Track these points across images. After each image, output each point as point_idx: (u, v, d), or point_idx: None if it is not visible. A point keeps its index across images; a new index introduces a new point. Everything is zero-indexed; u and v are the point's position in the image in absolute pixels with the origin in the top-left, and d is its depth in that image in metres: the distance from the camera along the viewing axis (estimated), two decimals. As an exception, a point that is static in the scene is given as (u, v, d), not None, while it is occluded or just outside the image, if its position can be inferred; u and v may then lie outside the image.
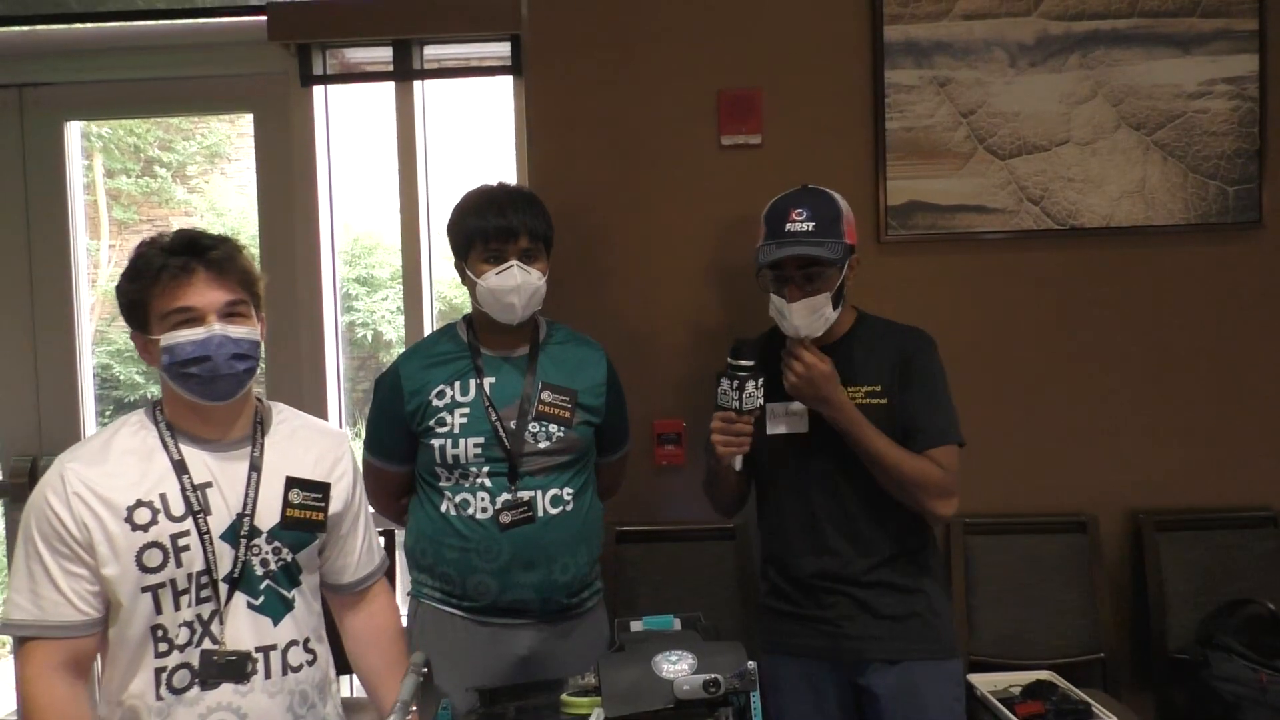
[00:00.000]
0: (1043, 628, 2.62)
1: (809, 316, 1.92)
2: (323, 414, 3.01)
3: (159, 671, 1.51)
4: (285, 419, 1.72)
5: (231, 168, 6.91)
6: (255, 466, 1.61)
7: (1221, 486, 2.71)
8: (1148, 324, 2.70)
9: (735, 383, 1.86)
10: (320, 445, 1.72)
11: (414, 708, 1.40)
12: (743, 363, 1.86)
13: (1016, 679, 2.42)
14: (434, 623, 2.04)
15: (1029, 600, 2.63)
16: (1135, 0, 2.64)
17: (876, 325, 2.08)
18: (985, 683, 2.39)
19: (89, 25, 3.00)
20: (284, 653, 1.59)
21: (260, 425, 1.66)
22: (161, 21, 2.97)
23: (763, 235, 2.01)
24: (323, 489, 1.67)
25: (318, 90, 2.95)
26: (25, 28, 2.99)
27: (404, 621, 2.19)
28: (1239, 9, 2.64)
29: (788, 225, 1.94)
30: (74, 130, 3.06)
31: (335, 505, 1.69)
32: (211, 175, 6.99)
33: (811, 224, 1.93)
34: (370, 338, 6.67)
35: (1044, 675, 2.43)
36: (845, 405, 1.91)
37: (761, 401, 1.89)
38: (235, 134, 6.74)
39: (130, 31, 2.99)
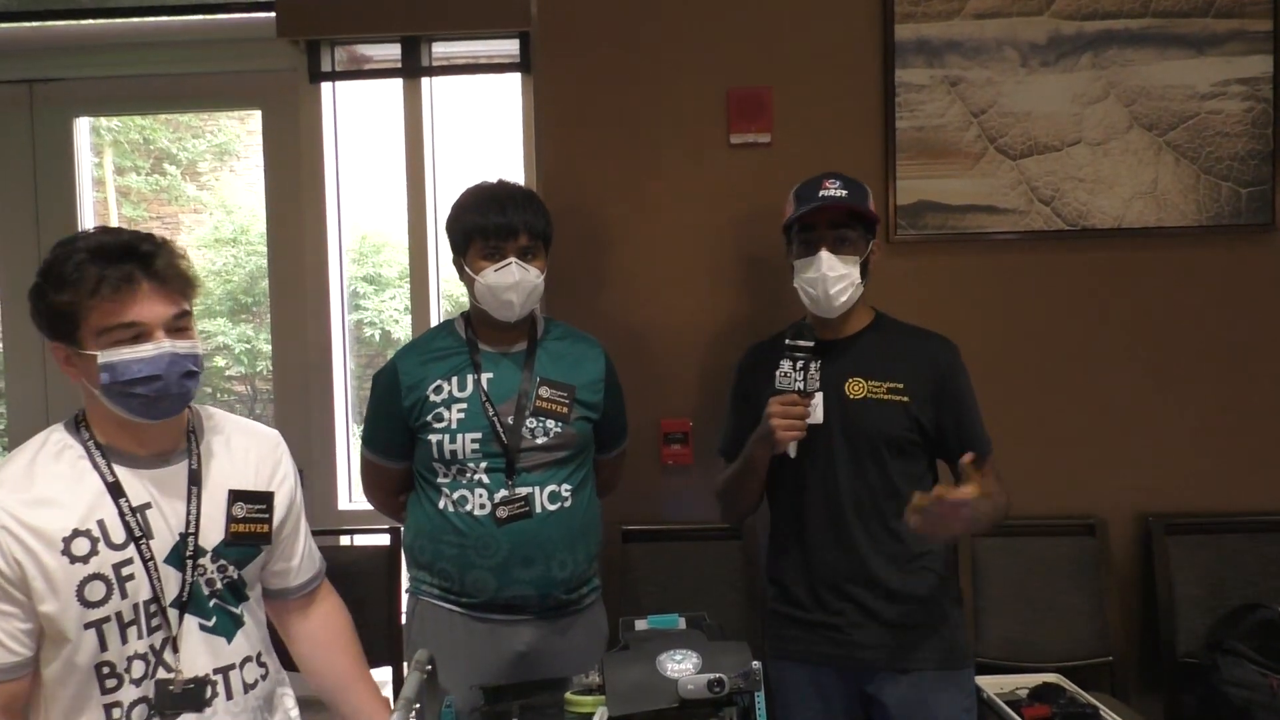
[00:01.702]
0: (1051, 631, 2.60)
1: (840, 269, 1.92)
2: (330, 413, 3.01)
3: (109, 708, 1.41)
4: (217, 425, 1.59)
5: (241, 165, 6.92)
6: (194, 480, 1.50)
7: (1232, 490, 2.69)
8: (1159, 326, 2.68)
9: (799, 363, 1.85)
10: (258, 450, 1.61)
11: (418, 705, 1.39)
12: (804, 343, 1.85)
13: (1024, 681, 2.40)
14: (433, 619, 2.04)
15: (1037, 603, 2.62)
16: (1148, 0, 2.63)
17: (896, 325, 2.07)
18: (992, 685, 2.37)
19: (99, 21, 3.01)
20: (241, 670, 1.52)
21: (193, 435, 1.54)
22: (171, 18, 2.98)
23: (792, 209, 2.01)
24: (266, 499, 1.57)
25: (326, 87, 2.96)
26: (35, 23, 3.00)
27: (403, 619, 2.19)
28: (1253, 10, 2.62)
29: (822, 191, 1.95)
30: (83, 126, 3.07)
31: (279, 513, 1.60)
32: (221, 173, 7.00)
33: (845, 191, 1.95)
34: (378, 336, 6.68)
35: (1051, 678, 2.41)
36: (977, 517, 1.78)
37: (819, 385, 1.88)
38: (245, 131, 6.75)
39: (140, 27, 3.00)
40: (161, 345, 1.39)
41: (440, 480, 2.02)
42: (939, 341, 2.04)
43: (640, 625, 1.69)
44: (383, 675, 2.52)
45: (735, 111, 2.67)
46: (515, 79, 2.92)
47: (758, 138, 2.68)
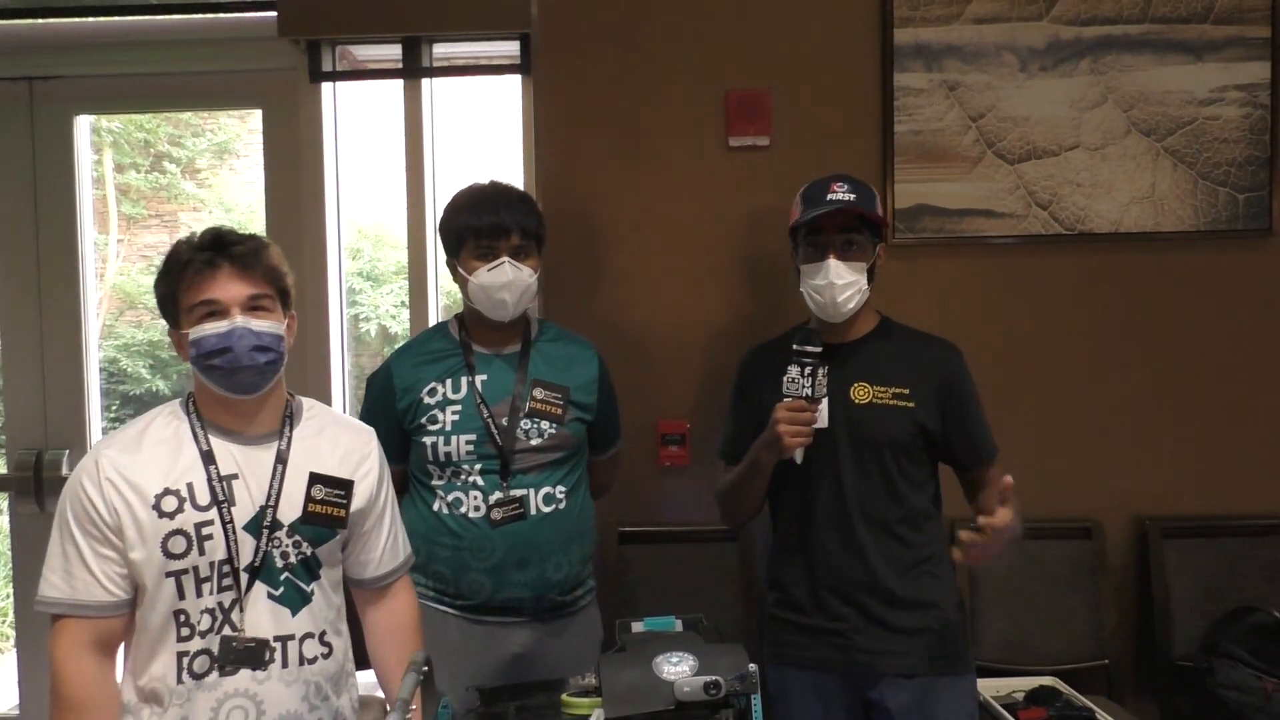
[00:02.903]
0: (1047, 633, 2.61)
1: (847, 276, 1.90)
2: (327, 410, 3.01)
3: (181, 656, 1.54)
4: (315, 415, 1.73)
5: (240, 164, 6.91)
6: (281, 460, 1.63)
7: (1228, 494, 2.70)
8: (1155, 331, 2.69)
9: (806, 369, 1.82)
10: (347, 442, 1.73)
11: (414, 706, 1.40)
12: (811, 348, 1.83)
13: (1020, 684, 2.41)
14: (428, 621, 2.03)
15: (1033, 606, 2.63)
16: (1147, 6, 2.64)
17: (902, 330, 2.06)
18: (988, 688, 2.37)
19: (99, 19, 3.00)
20: (300, 644, 1.61)
21: (289, 420, 1.68)
22: (172, 16, 2.97)
23: (799, 211, 1.98)
24: (346, 486, 1.67)
25: (326, 87, 2.95)
26: (36, 20, 3.00)
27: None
28: (1251, 16, 2.63)
29: (829, 195, 1.93)
30: (84, 124, 3.07)
31: (358, 502, 1.70)
32: (220, 171, 6.99)
33: (853, 195, 1.93)
34: (374, 332, 6.68)
35: (1047, 681, 2.42)
36: (1016, 533, 1.79)
37: (825, 390, 1.86)
38: (245, 130, 6.74)
39: (141, 26, 3.00)
40: (234, 321, 1.55)
41: (435, 482, 2.02)
42: (944, 346, 2.04)
43: (637, 627, 1.69)
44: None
45: (734, 114, 2.68)
46: (515, 80, 2.92)
47: (756, 140, 2.68)
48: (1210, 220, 2.66)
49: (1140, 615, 2.71)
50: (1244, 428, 2.70)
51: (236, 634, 1.56)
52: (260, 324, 1.57)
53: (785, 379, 1.84)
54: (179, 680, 1.54)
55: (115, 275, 6.40)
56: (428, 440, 2.00)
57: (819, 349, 1.84)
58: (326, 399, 3.00)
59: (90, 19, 3.01)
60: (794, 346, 1.85)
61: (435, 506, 2.02)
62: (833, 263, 1.90)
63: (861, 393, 1.96)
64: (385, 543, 1.78)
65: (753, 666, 1.49)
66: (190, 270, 1.55)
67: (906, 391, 1.95)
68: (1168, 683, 2.61)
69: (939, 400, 1.97)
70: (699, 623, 1.71)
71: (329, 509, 1.65)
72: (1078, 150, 2.66)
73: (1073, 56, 2.65)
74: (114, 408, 6.08)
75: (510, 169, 2.96)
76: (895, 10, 2.64)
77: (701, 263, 2.71)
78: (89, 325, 3.05)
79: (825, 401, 1.91)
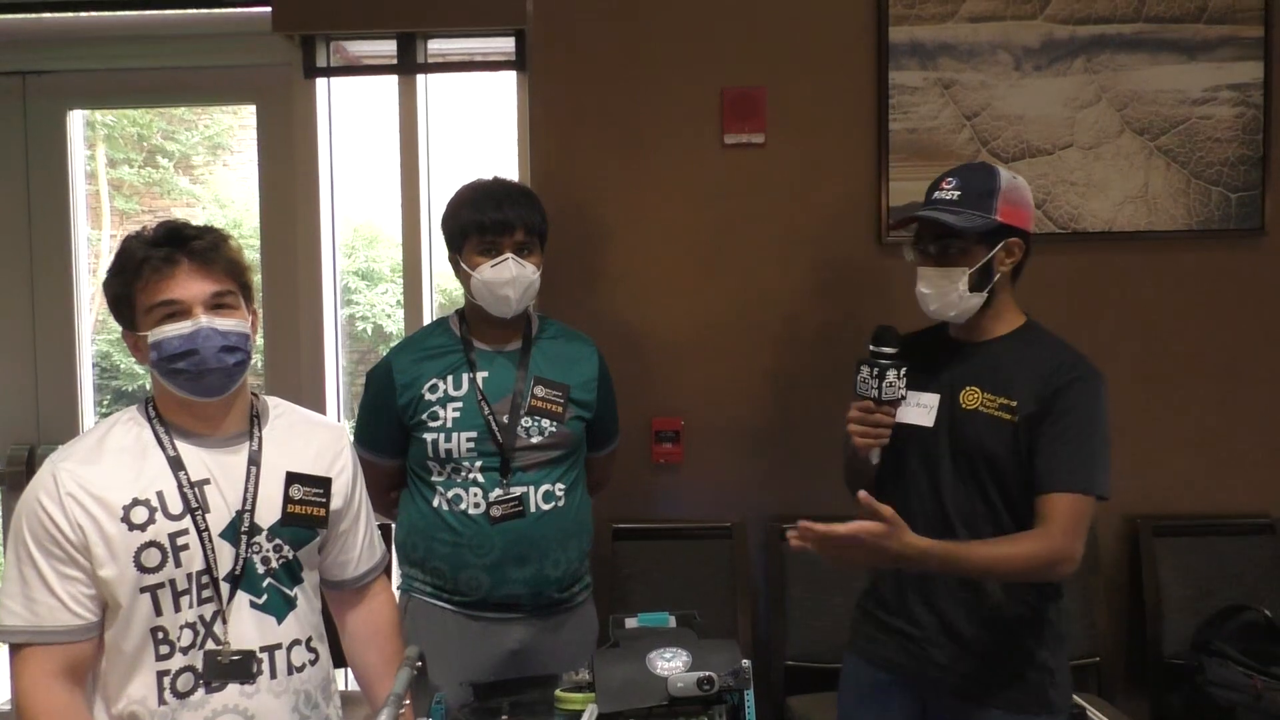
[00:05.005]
0: (1038, 631, 2.61)
1: (934, 287, 1.76)
2: (321, 408, 3.00)
3: (161, 675, 1.46)
4: (282, 413, 1.66)
5: (234, 159, 6.90)
6: (254, 461, 1.55)
7: (1219, 493, 2.71)
8: (1148, 330, 2.70)
9: (875, 370, 1.74)
10: (320, 439, 1.66)
11: (407, 701, 1.40)
12: (884, 350, 1.74)
13: (1011, 682, 2.41)
14: (425, 617, 2.04)
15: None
16: (1141, 5, 2.64)
17: (1039, 338, 1.86)
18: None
19: (93, 13, 2.99)
20: (288, 652, 1.55)
21: (256, 420, 1.60)
22: (166, 11, 2.97)
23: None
24: (324, 484, 1.61)
25: (321, 82, 2.94)
26: (29, 15, 2.99)
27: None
28: (1245, 16, 2.64)
29: (935, 194, 1.79)
30: (77, 119, 3.06)
31: (336, 501, 1.63)
32: (214, 166, 6.98)
33: (958, 193, 1.76)
34: (370, 331, 6.68)
35: (1039, 679, 2.42)
36: (921, 554, 1.61)
37: (904, 392, 1.76)
38: (238, 125, 6.72)
39: (134, 20, 2.99)
40: (198, 321, 1.45)
41: (434, 479, 2.02)
42: (1072, 366, 1.80)
43: (630, 623, 1.69)
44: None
45: (729, 111, 2.68)
46: (511, 77, 2.92)
47: (751, 138, 2.68)
48: (1203, 220, 2.67)
49: (1131, 613, 2.72)
50: (1235, 426, 2.71)
51: (221, 647, 1.48)
52: (225, 323, 1.48)
53: (858, 378, 1.77)
54: (161, 701, 1.45)
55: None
56: (428, 437, 1.99)
57: (893, 350, 1.75)
58: (320, 398, 3.00)
59: (83, 13, 3.00)
60: (869, 346, 1.76)
61: (435, 503, 2.02)
62: (922, 271, 1.79)
63: (971, 397, 1.79)
64: (363, 541, 1.73)
65: (746, 662, 1.49)
66: (147, 269, 1.44)
67: (1014, 404, 1.76)
68: (1158, 680, 2.62)
69: (1038, 415, 1.75)
70: (693, 619, 1.71)
71: (309, 509, 1.58)
72: (1071, 149, 2.67)
73: (1067, 55, 2.65)
74: (106, 402, 6.07)
75: (505, 165, 2.96)
76: (890, 8, 2.65)
77: (696, 260, 2.71)
78: (82, 320, 3.05)
79: (936, 400, 1.78)
